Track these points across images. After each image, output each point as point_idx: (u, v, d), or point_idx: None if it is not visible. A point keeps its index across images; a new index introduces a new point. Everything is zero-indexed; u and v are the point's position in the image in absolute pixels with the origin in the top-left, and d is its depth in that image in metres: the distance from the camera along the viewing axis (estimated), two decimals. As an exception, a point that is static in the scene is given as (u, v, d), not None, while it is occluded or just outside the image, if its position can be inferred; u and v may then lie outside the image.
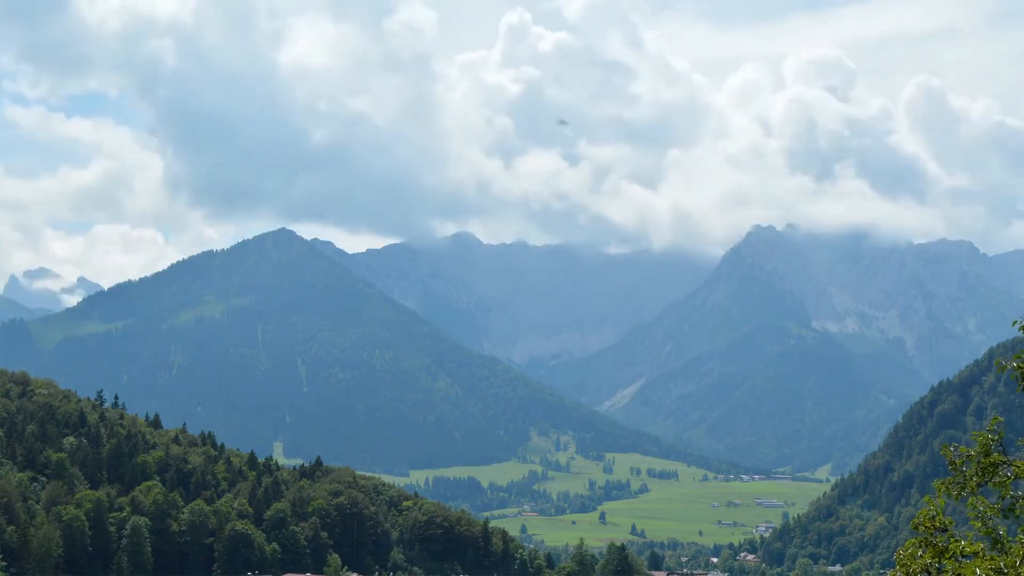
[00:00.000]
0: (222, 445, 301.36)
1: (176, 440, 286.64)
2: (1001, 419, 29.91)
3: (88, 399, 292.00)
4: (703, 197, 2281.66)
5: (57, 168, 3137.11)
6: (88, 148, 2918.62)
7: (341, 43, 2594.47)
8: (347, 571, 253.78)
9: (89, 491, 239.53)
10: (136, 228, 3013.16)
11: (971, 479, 29.12)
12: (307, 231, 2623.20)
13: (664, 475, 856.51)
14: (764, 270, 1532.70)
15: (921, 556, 28.73)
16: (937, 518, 29.03)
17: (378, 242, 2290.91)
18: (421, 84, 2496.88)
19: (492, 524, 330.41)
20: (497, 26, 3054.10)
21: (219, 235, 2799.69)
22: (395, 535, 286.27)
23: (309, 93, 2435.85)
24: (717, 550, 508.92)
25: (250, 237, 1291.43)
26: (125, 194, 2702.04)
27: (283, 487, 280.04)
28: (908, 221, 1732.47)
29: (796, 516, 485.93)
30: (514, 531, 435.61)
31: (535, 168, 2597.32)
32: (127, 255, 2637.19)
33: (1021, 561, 27.12)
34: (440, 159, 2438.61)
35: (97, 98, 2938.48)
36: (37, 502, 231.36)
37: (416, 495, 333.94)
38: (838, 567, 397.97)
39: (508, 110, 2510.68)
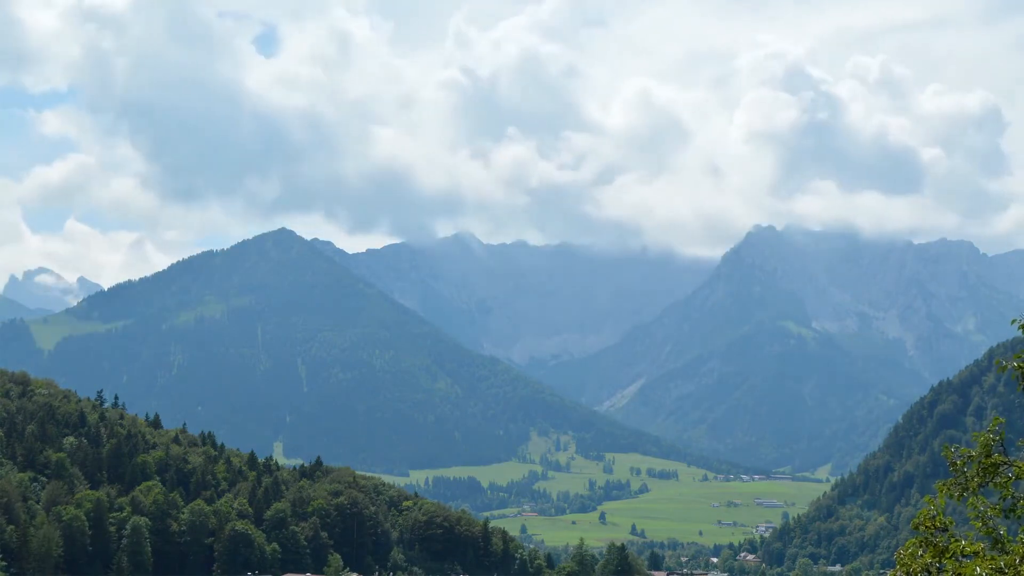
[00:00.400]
0: (222, 445, 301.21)
1: (176, 440, 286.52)
2: (1002, 420, 29.88)
3: (88, 399, 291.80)
4: (703, 197, 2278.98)
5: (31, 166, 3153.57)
6: (57, 145, 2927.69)
7: (306, 47, 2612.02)
8: (347, 571, 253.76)
9: (89, 491, 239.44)
10: (108, 231, 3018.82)
11: (972, 480, 29.10)
12: (306, 230, 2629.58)
13: (664, 475, 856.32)
14: (764, 270, 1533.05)
15: (922, 556, 28.73)
16: (937, 518, 29.02)
17: (378, 242, 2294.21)
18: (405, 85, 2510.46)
19: (492, 524, 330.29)
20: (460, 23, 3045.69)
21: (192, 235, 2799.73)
22: (395, 535, 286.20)
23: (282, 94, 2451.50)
24: (717, 550, 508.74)
25: (250, 237, 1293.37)
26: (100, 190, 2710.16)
27: (283, 487, 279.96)
28: (908, 220, 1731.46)
29: (796, 516, 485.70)
30: (514, 531, 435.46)
31: (535, 168, 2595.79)
32: (105, 252, 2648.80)
33: (1021, 560, 27.12)
34: (438, 159, 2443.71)
35: (57, 93, 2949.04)
36: (37, 502, 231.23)
37: (416, 495, 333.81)
38: (838, 567, 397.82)
39: (500, 108, 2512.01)
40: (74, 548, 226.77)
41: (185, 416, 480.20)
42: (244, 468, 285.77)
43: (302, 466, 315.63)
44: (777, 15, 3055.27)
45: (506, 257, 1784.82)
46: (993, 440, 29.08)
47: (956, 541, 28.56)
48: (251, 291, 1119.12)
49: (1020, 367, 29.39)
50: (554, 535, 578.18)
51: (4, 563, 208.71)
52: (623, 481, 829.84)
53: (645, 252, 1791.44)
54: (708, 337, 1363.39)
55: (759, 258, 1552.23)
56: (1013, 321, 29.66)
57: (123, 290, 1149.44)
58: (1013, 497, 29.05)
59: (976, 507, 29.00)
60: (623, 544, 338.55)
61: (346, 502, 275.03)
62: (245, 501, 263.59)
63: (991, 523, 28.96)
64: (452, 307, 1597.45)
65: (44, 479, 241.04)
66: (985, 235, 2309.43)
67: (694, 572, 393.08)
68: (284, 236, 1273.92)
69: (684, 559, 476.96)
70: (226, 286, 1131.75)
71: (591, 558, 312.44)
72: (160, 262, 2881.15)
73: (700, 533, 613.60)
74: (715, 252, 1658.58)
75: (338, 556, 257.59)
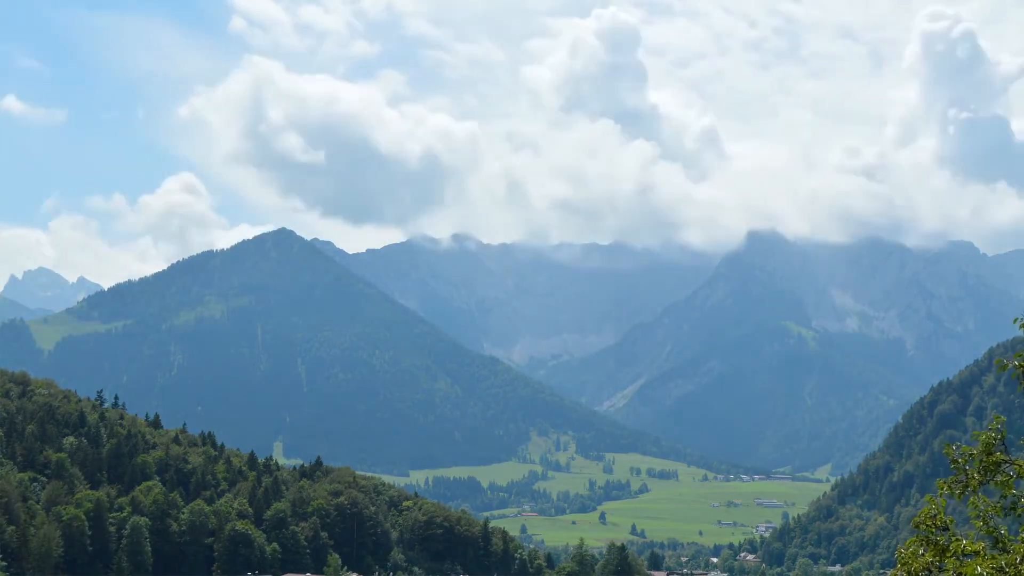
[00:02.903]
0: (222, 445, 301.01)
1: (176, 440, 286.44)
2: (1003, 418, 29.84)
3: (88, 399, 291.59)
4: (703, 196, 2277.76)
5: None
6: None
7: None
8: (347, 571, 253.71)
9: (89, 491, 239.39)
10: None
11: (973, 478, 29.06)
12: (307, 230, 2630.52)
13: (664, 475, 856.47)
14: (764, 270, 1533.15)
15: (923, 555, 28.70)
16: (938, 517, 28.99)
17: (378, 242, 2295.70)
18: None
19: (492, 524, 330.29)
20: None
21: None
22: (395, 535, 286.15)
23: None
24: (717, 550, 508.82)
25: (250, 237, 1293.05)
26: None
27: (283, 487, 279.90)
28: (909, 220, 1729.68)
29: (796, 516, 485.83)
30: (514, 531, 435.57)
31: (534, 167, 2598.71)
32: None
33: (1022, 560, 27.08)
34: (437, 159, 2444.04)
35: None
36: (37, 502, 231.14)
37: (416, 495, 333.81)
38: (838, 567, 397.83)
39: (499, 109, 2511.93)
40: (74, 548, 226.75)
41: (185, 416, 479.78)
42: (244, 468, 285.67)
43: (302, 466, 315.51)
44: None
45: (506, 257, 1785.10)
46: (994, 438, 29.05)
47: (957, 540, 28.53)
48: (251, 291, 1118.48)
49: (1021, 366, 29.34)
50: (554, 535, 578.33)
51: (4, 563, 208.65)
52: (623, 481, 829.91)
53: (645, 252, 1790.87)
54: (708, 337, 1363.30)
55: (759, 258, 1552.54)
56: (1015, 320, 29.61)
57: (123, 290, 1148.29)
58: (1014, 495, 29.02)
59: (977, 506, 28.97)
60: (623, 544, 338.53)
61: (346, 502, 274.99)
62: (245, 501, 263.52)
63: (992, 522, 28.93)
64: (452, 307, 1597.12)
65: (44, 479, 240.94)
66: (985, 235, 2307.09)
67: (694, 572, 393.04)
68: (284, 236, 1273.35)
69: (684, 559, 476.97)
70: (226, 286, 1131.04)
71: (591, 558, 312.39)
72: (160, 262, 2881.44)
73: (700, 533, 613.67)
74: (715, 252, 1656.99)
75: (338, 556, 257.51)
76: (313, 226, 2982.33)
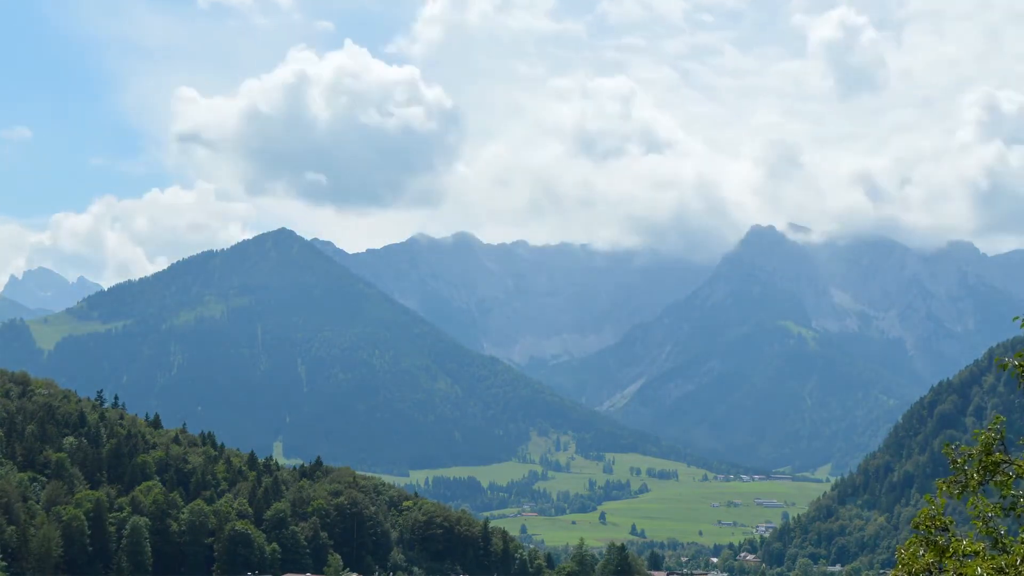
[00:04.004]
0: (222, 445, 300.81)
1: (176, 440, 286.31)
2: (1003, 418, 29.82)
3: (88, 399, 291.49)
4: (703, 196, 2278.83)
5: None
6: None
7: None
8: (347, 571, 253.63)
9: (89, 491, 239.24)
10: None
11: (972, 478, 29.03)
12: (308, 230, 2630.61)
13: (664, 475, 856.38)
14: (764, 270, 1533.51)
15: (923, 555, 28.67)
16: (938, 517, 28.95)
17: (378, 242, 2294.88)
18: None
19: (492, 524, 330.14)
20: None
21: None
22: (395, 535, 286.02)
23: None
24: (717, 550, 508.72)
25: (250, 237, 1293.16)
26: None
27: (283, 487, 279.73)
28: (908, 220, 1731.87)
29: (796, 516, 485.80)
30: (514, 531, 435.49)
31: (533, 168, 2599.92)
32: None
33: (1022, 560, 27.04)
34: (435, 158, 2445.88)
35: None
36: (37, 502, 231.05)
37: (416, 495, 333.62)
38: (838, 567, 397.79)
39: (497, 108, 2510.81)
40: (74, 548, 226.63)
41: (185, 416, 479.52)
42: (244, 468, 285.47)
43: (302, 466, 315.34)
44: None
45: (506, 257, 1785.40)
46: (993, 439, 29.02)
47: (957, 541, 28.49)
48: (251, 291, 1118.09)
49: (1021, 366, 29.31)
50: (554, 535, 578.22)
51: (4, 563, 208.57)
52: (623, 481, 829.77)
53: (646, 252, 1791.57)
54: (708, 337, 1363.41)
55: (759, 258, 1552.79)
56: (1015, 319, 29.58)
57: (123, 290, 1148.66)
58: (1013, 495, 28.99)
59: (976, 506, 28.94)
60: (623, 544, 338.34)
61: (346, 502, 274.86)
62: (245, 501, 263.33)
63: (991, 523, 28.90)
64: (452, 307, 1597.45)
65: (44, 479, 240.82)
66: (985, 235, 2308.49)
67: (694, 572, 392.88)
68: (284, 236, 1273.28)
69: (684, 559, 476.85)
70: (226, 286, 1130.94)
71: (591, 558, 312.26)
72: (160, 262, 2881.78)
73: (700, 533, 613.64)
74: (716, 252, 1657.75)
75: (338, 556, 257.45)
76: (313, 225, 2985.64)
